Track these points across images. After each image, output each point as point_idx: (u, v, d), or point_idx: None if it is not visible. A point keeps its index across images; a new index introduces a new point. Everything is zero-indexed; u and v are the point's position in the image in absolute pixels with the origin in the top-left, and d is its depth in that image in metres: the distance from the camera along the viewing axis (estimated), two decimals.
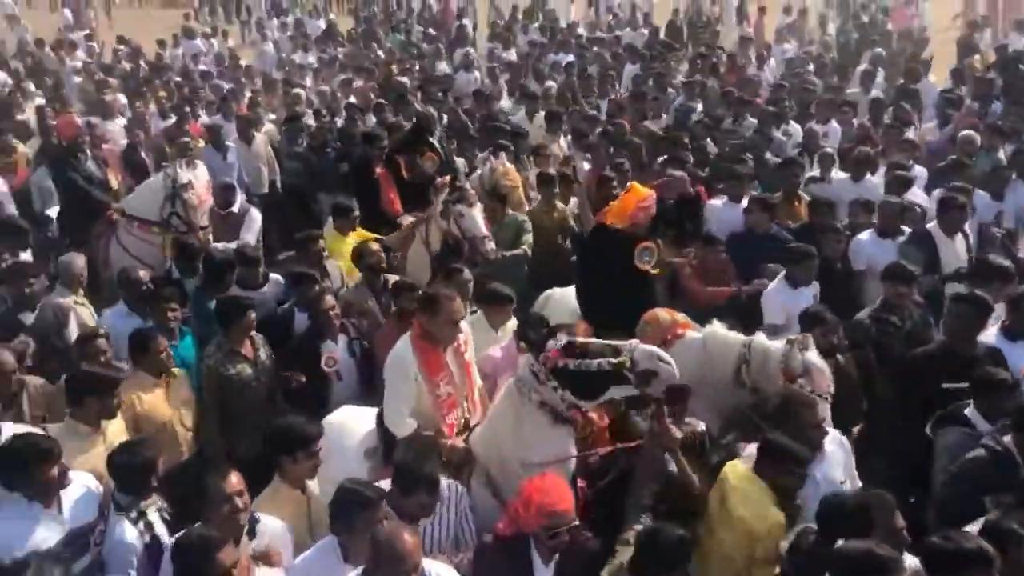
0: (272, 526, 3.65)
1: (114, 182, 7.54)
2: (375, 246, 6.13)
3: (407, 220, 7.07)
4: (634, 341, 3.79)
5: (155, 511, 3.76)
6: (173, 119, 10.45)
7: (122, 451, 3.80)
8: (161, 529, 3.72)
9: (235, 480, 3.46)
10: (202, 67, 15.24)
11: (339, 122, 9.89)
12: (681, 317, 4.89)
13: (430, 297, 4.25)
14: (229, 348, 5.04)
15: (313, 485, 3.93)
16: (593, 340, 3.88)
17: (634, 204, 5.35)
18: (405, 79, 12.63)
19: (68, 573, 3.23)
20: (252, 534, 3.52)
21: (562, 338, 3.82)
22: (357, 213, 6.80)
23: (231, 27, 22.45)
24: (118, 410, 4.31)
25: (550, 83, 12.35)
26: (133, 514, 3.67)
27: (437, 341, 4.17)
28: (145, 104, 11.70)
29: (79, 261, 6.07)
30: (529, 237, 7.04)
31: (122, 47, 17.51)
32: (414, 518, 3.56)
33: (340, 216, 6.77)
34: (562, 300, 5.75)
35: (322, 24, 19.85)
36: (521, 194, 7.53)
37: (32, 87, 12.95)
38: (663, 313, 4.90)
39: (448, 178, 6.95)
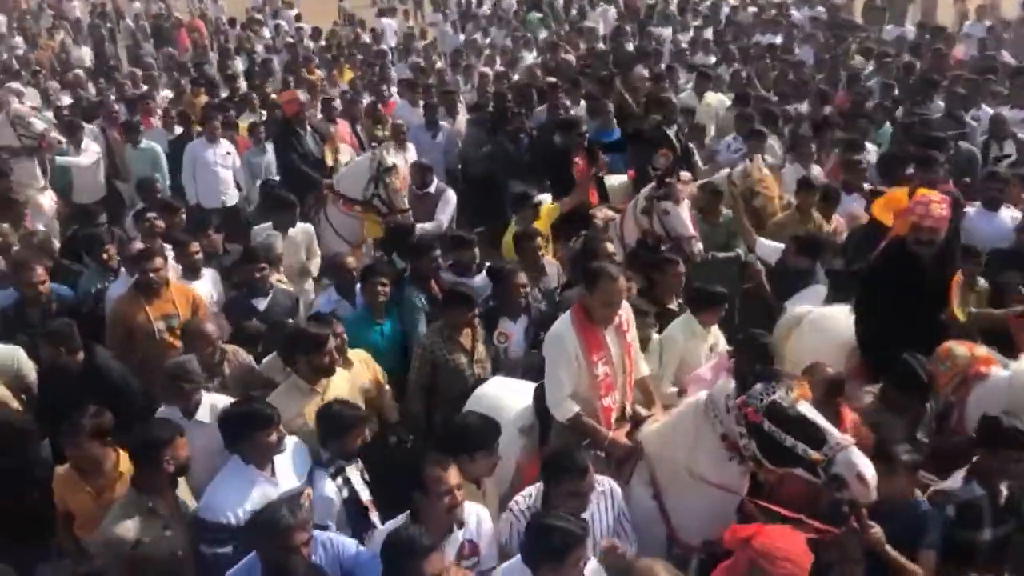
0: (481, 516, 3.58)
1: (330, 159, 7.69)
2: (537, 231, 6.05)
3: (601, 213, 6.85)
4: (844, 439, 3.33)
5: (356, 470, 3.90)
6: (368, 98, 10.55)
7: (329, 406, 3.92)
8: (360, 486, 3.87)
9: (454, 471, 3.38)
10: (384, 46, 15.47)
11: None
12: (982, 351, 4.34)
13: (591, 273, 3.99)
14: (448, 335, 5.02)
15: (488, 481, 3.84)
16: (803, 412, 3.39)
17: (927, 209, 4.44)
18: (571, 57, 12.28)
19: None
20: (460, 523, 3.46)
21: (772, 393, 3.39)
22: (538, 202, 6.59)
23: (403, 6, 22.94)
24: (334, 368, 4.41)
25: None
26: (332, 469, 3.82)
27: (595, 319, 3.95)
28: (332, 82, 11.89)
29: (278, 242, 6.26)
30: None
31: (303, 25, 17.96)
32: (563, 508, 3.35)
33: (521, 207, 6.54)
34: (821, 325, 4.91)
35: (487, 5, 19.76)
36: (776, 205, 6.77)
37: (240, 65, 13.59)
38: (960, 347, 4.36)
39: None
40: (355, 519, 3.82)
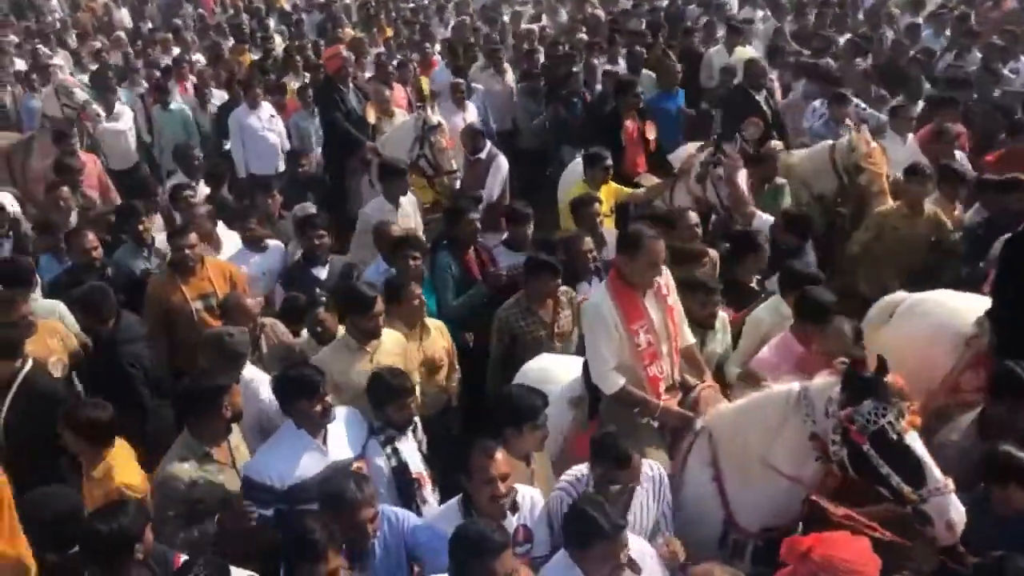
0: (535, 499, 3.46)
1: (371, 117, 7.48)
2: (595, 196, 5.81)
3: (648, 180, 6.66)
4: (945, 484, 3.11)
5: (412, 441, 3.85)
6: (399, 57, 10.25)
7: (378, 374, 3.85)
8: (412, 457, 3.79)
9: (500, 459, 3.22)
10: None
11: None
12: None
13: (631, 236, 3.79)
14: (527, 306, 4.85)
15: (537, 456, 3.72)
16: (910, 445, 3.16)
17: None
18: (600, 13, 11.87)
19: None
20: (514, 507, 3.33)
21: (881, 417, 3.15)
22: (610, 163, 6.26)
23: None
24: (380, 331, 4.33)
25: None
26: (382, 437, 3.78)
27: (635, 285, 3.77)
28: (372, 42, 11.53)
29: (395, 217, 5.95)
30: (788, 203, 6.25)
31: None
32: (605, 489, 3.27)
33: (592, 166, 6.22)
34: (923, 310, 4.50)
35: None
36: (884, 183, 6.00)
37: (272, 24, 13.41)
38: None
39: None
40: (404, 490, 3.75)
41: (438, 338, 4.80)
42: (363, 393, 3.93)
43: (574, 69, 8.74)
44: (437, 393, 4.77)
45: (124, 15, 15.34)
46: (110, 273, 5.34)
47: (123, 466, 3.65)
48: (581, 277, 5.14)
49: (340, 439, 3.75)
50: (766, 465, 3.45)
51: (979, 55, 8.60)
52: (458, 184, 6.87)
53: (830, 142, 6.41)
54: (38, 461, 3.98)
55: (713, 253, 5.42)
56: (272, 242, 5.90)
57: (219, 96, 9.07)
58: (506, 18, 13.01)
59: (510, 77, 9.17)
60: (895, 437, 3.15)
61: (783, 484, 3.45)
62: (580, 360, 4.28)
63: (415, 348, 4.66)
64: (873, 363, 3.32)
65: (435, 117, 6.79)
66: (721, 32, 10.08)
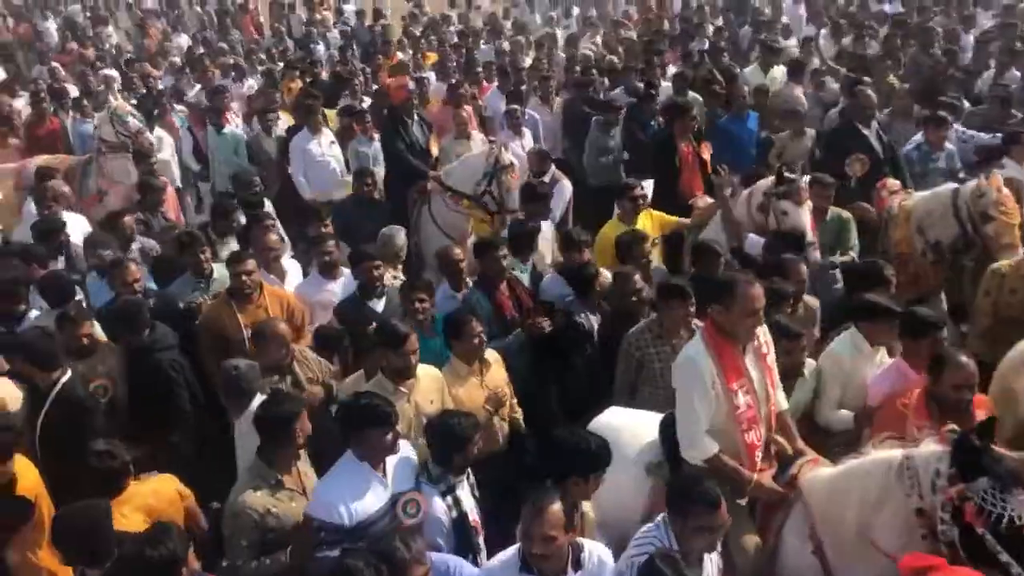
0: (603, 557, 3.26)
1: (435, 149, 7.42)
2: (644, 234, 5.56)
3: (701, 203, 6.38)
4: None
5: (466, 487, 3.70)
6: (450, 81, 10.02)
7: (443, 418, 3.70)
8: (469, 504, 3.66)
9: (556, 513, 3.03)
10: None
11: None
12: None
13: (725, 284, 3.55)
14: (659, 333, 4.58)
15: (586, 504, 3.57)
16: None
17: None
18: (632, 34, 11.80)
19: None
20: (578, 565, 3.14)
21: (1002, 503, 2.84)
22: (639, 194, 6.09)
23: None
24: (414, 371, 4.16)
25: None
26: (442, 487, 3.62)
27: (735, 338, 3.51)
28: (416, 65, 11.52)
29: (400, 236, 5.92)
30: (855, 240, 5.91)
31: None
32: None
33: (622, 198, 6.04)
34: None
35: None
36: (1016, 235, 5.21)
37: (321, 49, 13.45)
38: None
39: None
40: (462, 538, 3.61)
41: (498, 371, 4.62)
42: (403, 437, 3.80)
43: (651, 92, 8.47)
44: (503, 430, 4.57)
45: (184, 40, 15.41)
46: (150, 304, 5.19)
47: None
48: (634, 316, 4.86)
49: (398, 470, 3.65)
50: (866, 541, 3.18)
51: (1017, 73, 8.41)
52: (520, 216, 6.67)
53: (953, 185, 5.78)
54: (71, 472, 3.95)
55: (810, 299, 5.08)
56: (347, 270, 5.73)
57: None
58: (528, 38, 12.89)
59: (557, 104, 9.00)
60: (1019, 523, 2.81)
61: (884, 562, 3.13)
62: (652, 417, 3.99)
63: (477, 384, 4.49)
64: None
65: (508, 157, 6.67)
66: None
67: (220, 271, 5.45)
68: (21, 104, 10.15)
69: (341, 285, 5.59)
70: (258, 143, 8.36)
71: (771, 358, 3.67)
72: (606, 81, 9.57)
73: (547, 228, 6.48)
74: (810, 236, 5.45)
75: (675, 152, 6.88)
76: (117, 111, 7.61)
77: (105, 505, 3.43)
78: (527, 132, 8.10)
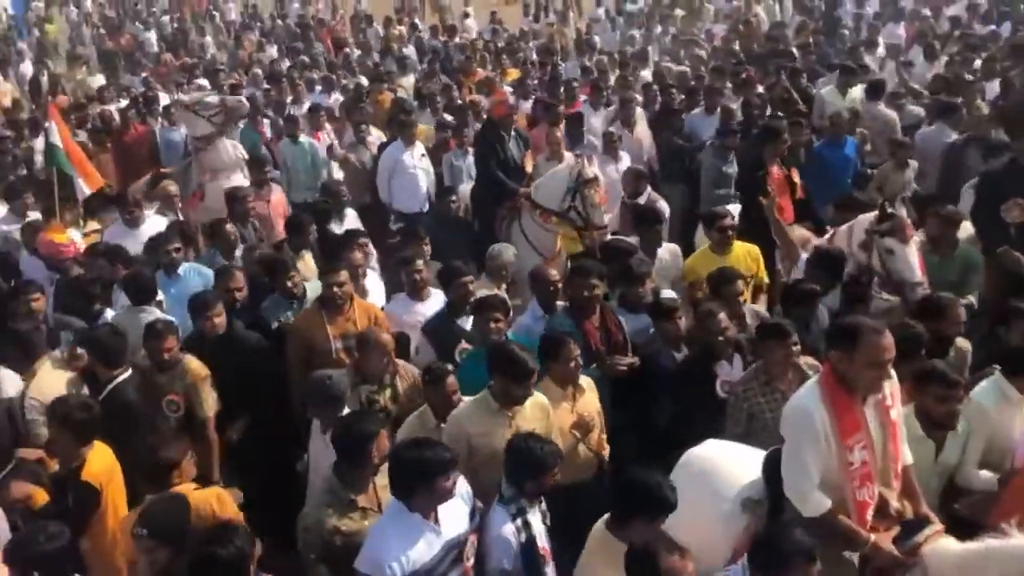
0: None
1: (529, 166, 7.22)
2: (737, 273, 5.16)
3: (797, 233, 5.98)
4: None
5: (537, 514, 3.55)
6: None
7: (526, 442, 3.55)
8: (539, 530, 3.51)
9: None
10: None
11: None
12: None
13: (847, 329, 3.23)
14: (766, 380, 4.26)
15: None
16: None
17: None
18: (702, 53, 11.50)
19: None
20: None
21: None
22: (728, 223, 5.74)
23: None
24: (524, 400, 4.01)
25: None
26: (513, 509, 3.48)
27: (855, 389, 3.20)
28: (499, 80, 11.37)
29: (508, 253, 5.76)
30: (979, 280, 5.53)
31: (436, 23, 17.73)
32: None
33: (710, 227, 5.73)
34: None
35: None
36: None
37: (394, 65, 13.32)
38: None
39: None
40: (530, 565, 3.46)
41: (591, 399, 4.42)
42: (497, 458, 3.69)
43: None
44: (589, 458, 4.37)
45: (272, 51, 15.65)
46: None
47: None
48: (718, 356, 4.58)
49: (450, 513, 3.45)
50: None
51: None
52: (607, 236, 6.47)
53: None
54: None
55: (962, 342, 4.65)
56: (435, 290, 5.58)
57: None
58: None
59: (642, 128, 8.69)
60: None
61: None
62: (752, 452, 3.68)
63: (568, 409, 4.30)
64: None
65: (591, 170, 6.46)
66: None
67: (311, 287, 5.47)
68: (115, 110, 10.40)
69: (430, 307, 5.44)
70: (351, 155, 8.34)
71: (896, 412, 3.33)
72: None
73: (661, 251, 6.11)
74: (918, 276, 5.04)
75: (765, 177, 6.48)
76: (192, 100, 7.68)
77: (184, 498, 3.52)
78: (624, 155, 7.87)
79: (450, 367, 4.31)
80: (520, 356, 3.98)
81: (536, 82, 10.82)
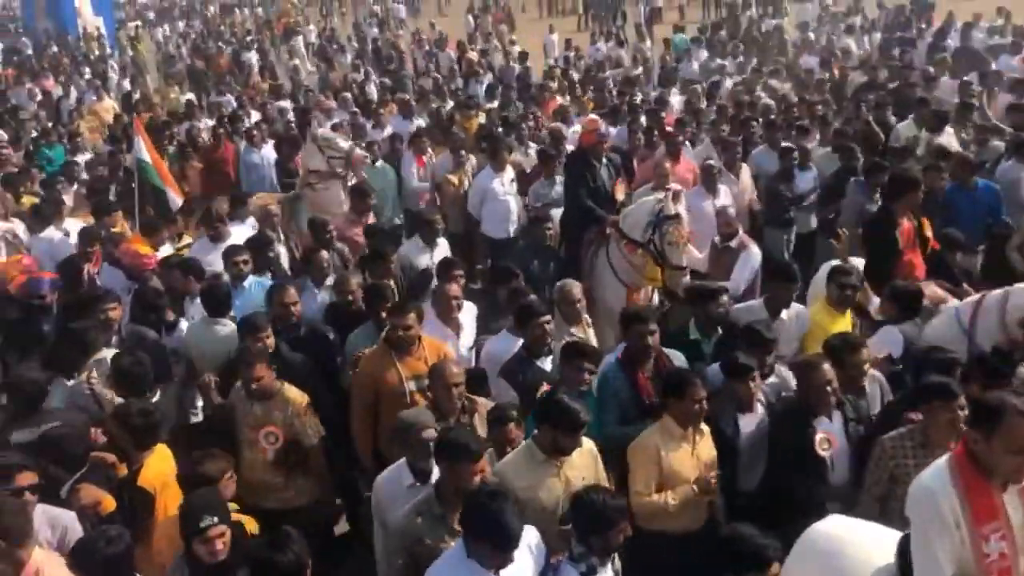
0: None
1: (620, 194, 7.04)
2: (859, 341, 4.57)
3: (929, 291, 5.35)
4: None
5: (609, 572, 3.40)
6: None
7: (584, 493, 3.38)
8: None
9: None
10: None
11: None
12: None
13: (990, 408, 2.88)
14: (923, 441, 3.83)
15: None
16: None
17: None
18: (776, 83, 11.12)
19: None
20: None
21: None
22: (853, 283, 5.24)
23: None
24: (572, 451, 3.83)
25: None
26: (583, 567, 3.31)
27: (991, 474, 2.87)
28: (581, 108, 11.18)
29: (576, 289, 5.47)
30: None
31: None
32: None
33: (834, 282, 5.21)
34: None
35: None
36: None
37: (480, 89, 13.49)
38: None
39: None
40: None
41: (710, 442, 4.20)
42: (547, 512, 3.63)
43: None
44: (700, 505, 4.14)
45: (361, 75, 15.91)
46: (303, 332, 5.29)
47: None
48: (818, 413, 4.23)
49: (515, 566, 3.25)
50: None
51: None
52: (687, 278, 6.20)
53: None
54: None
55: None
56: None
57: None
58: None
59: (746, 175, 8.20)
60: None
61: None
62: (883, 532, 3.31)
63: (687, 452, 4.10)
64: None
65: (675, 207, 6.14)
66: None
67: None
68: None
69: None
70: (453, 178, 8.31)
71: None
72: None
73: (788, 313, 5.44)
74: None
75: (895, 229, 5.87)
76: (323, 136, 7.63)
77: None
78: (723, 190, 7.52)
79: (514, 412, 4.13)
80: (571, 407, 3.78)
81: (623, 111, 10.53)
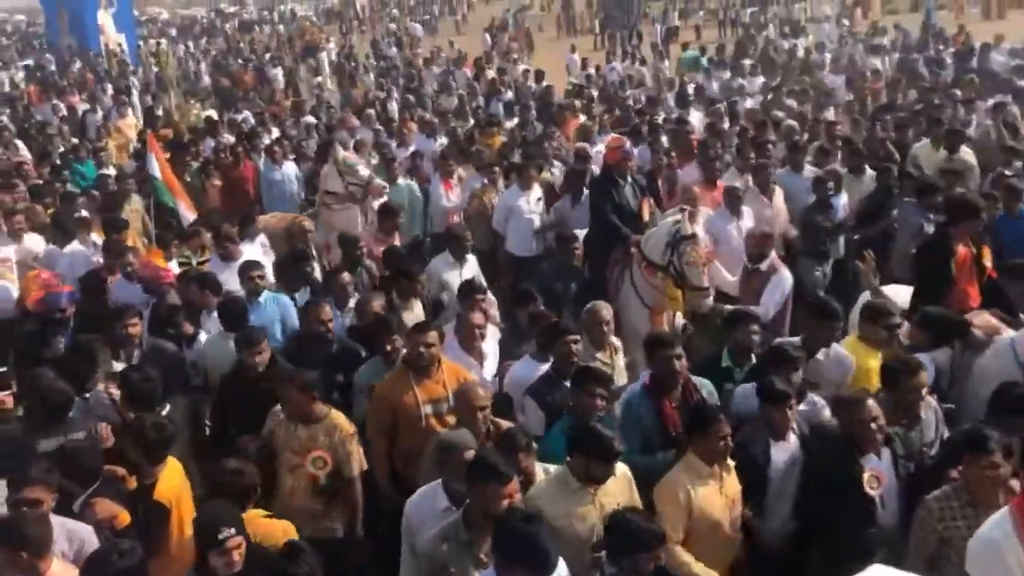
0: None
1: (646, 214, 6.88)
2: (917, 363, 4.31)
3: (980, 320, 4.99)
4: None
5: None
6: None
7: (621, 514, 3.31)
8: None
9: None
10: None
11: None
12: None
13: None
14: (969, 500, 3.58)
15: None
16: None
17: None
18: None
19: None
20: None
21: None
22: (895, 323, 4.98)
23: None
24: (606, 479, 3.75)
25: None
26: None
27: None
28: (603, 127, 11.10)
29: (604, 312, 5.31)
30: None
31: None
32: None
33: (870, 320, 4.95)
34: None
35: None
36: None
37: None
38: None
39: None
40: None
41: (735, 478, 4.05)
42: (582, 542, 3.57)
43: None
44: (732, 540, 4.01)
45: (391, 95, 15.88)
46: (334, 349, 5.30)
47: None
48: (864, 451, 4.03)
49: None
50: None
51: None
52: (710, 300, 6.06)
53: None
54: None
55: None
56: None
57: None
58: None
59: (780, 199, 7.91)
60: None
61: None
62: None
63: (715, 489, 3.95)
64: None
65: (691, 227, 6.04)
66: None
67: None
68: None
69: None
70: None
71: None
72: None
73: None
74: None
75: (950, 255, 5.58)
76: (346, 161, 7.58)
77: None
78: (747, 211, 7.27)
79: (525, 439, 3.97)
80: (604, 436, 3.72)
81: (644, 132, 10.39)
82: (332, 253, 7.24)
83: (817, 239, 7.36)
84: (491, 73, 17.29)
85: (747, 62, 15.92)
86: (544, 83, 15.58)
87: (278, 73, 18.77)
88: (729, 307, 5.90)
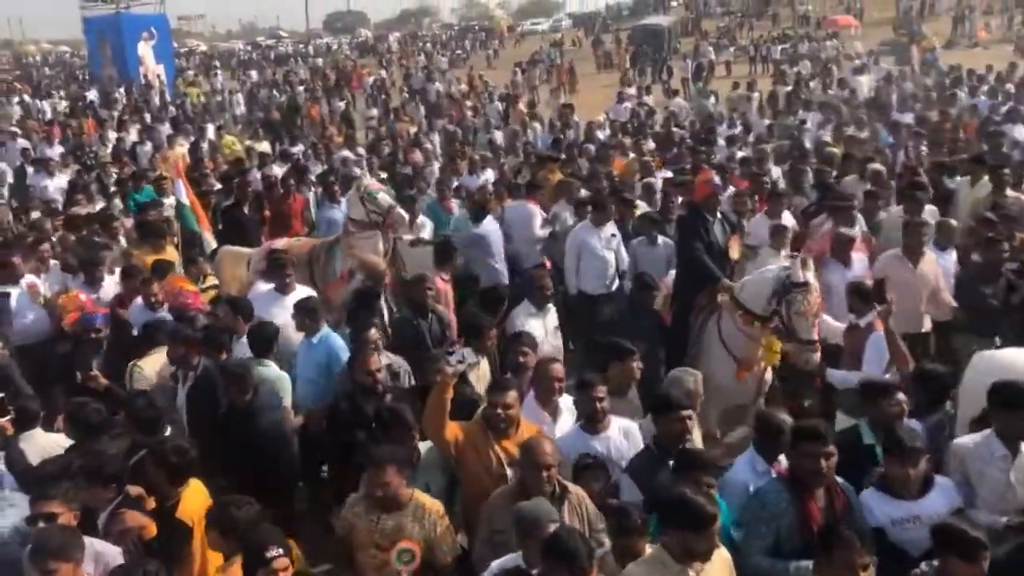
0: None
1: (735, 252, 6.34)
2: None
3: None
4: None
5: None
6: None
7: None
8: None
9: None
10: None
11: None
12: None
13: None
14: None
15: None
16: None
17: None
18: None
19: None
20: None
21: None
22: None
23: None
24: (709, 554, 3.31)
25: None
26: None
27: None
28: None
29: (691, 382, 4.71)
30: None
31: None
32: None
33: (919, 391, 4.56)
34: None
35: None
36: None
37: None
38: None
39: None
40: None
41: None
42: None
43: None
44: None
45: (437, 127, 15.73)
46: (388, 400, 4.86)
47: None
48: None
49: None
50: None
51: None
52: (817, 356, 5.41)
53: None
54: None
55: None
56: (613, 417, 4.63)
57: None
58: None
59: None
60: None
61: None
62: None
63: None
64: None
65: (804, 274, 5.41)
66: None
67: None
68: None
69: (605, 440, 4.46)
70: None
71: None
72: None
73: None
74: None
75: None
76: (368, 189, 7.22)
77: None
78: (857, 258, 6.63)
79: (640, 520, 3.58)
80: (696, 501, 3.29)
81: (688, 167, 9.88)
82: (352, 282, 6.89)
83: (985, 313, 6.27)
84: (521, 107, 16.96)
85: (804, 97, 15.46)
86: (587, 119, 15.19)
87: (341, 106, 18.54)
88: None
